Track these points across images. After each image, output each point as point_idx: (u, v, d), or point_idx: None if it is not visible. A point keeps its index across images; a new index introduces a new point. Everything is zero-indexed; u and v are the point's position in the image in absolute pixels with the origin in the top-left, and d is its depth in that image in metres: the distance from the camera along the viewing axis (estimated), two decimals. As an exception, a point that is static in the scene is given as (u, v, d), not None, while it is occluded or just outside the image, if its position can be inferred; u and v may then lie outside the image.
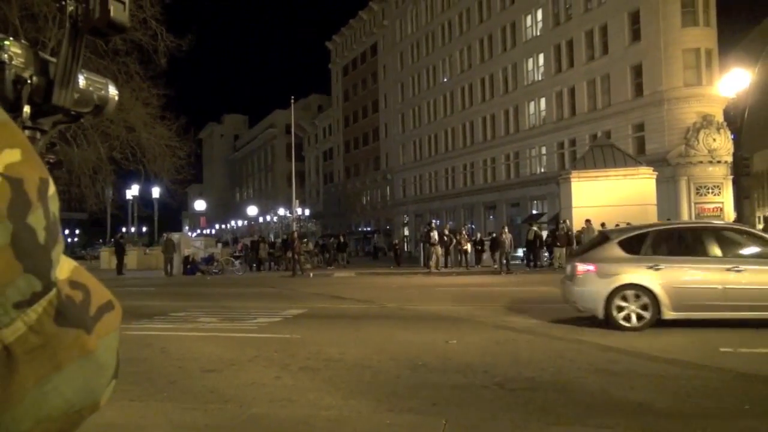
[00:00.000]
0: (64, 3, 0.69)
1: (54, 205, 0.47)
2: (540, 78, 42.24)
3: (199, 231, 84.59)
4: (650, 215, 23.11)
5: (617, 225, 22.47)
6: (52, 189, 0.48)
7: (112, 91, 0.82)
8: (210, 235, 70.01)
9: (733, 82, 20.36)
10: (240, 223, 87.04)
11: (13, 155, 0.44)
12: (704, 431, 3.61)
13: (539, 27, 42.27)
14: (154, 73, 19.65)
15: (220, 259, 28.34)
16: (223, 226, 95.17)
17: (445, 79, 52.55)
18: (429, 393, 4.56)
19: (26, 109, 0.66)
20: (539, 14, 42.11)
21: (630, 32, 34.72)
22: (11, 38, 0.67)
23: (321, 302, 12.24)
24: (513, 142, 44.42)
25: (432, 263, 23.14)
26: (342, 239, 32.16)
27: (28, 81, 0.67)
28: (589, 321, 8.24)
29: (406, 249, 50.97)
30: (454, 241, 24.81)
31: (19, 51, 0.67)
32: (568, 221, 22.92)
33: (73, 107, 0.73)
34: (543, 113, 42.00)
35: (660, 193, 24.63)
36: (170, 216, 76.02)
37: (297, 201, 36.27)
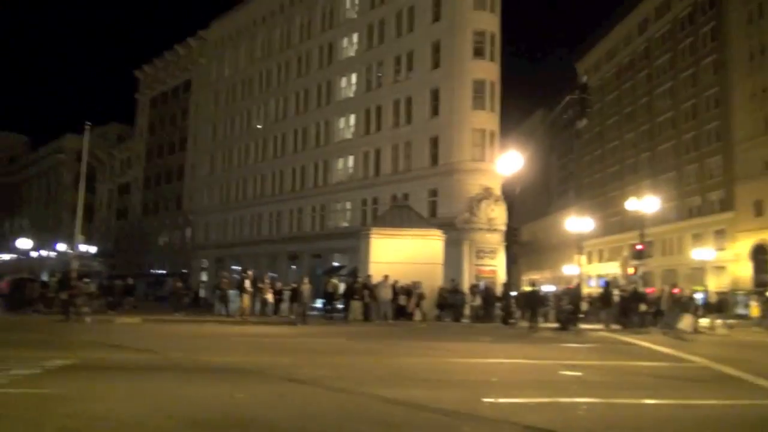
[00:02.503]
0: None
1: None
2: (350, 137, 44.38)
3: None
4: (437, 274, 25.23)
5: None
6: None
7: None
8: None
9: (508, 162, 23.67)
10: (7, 256, 75.49)
11: None
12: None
13: (353, 89, 44.76)
14: None
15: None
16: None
17: (259, 126, 52.54)
18: (204, 452, 4.36)
19: None
20: (354, 77, 44.66)
21: (431, 107, 38.45)
22: None
23: (96, 352, 11.03)
24: (321, 194, 45.60)
25: (242, 311, 22.45)
26: (131, 281, 29.57)
27: None
28: (379, 373, 8.58)
29: (202, 294, 48.46)
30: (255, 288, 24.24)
31: None
32: (368, 275, 23.90)
33: None
34: (350, 170, 43.98)
35: (447, 254, 27.00)
36: None
37: (82, 237, 32.68)
